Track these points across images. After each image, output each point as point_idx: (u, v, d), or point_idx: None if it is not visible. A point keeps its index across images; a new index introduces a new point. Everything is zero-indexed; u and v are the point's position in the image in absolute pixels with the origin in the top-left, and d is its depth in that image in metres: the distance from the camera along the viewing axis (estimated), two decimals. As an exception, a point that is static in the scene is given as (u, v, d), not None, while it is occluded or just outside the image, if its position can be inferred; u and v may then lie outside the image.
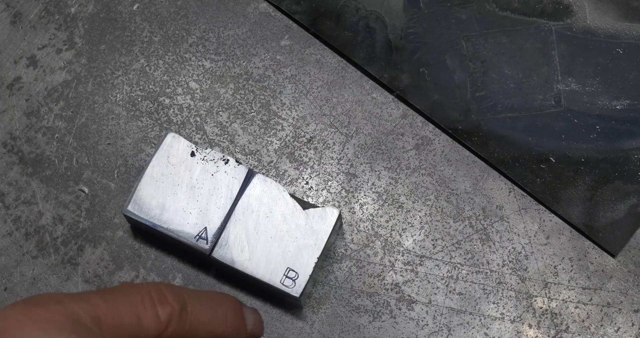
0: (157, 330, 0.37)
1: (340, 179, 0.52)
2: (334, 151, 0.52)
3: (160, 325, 0.37)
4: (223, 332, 0.40)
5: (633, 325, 0.49)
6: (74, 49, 0.54)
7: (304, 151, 0.52)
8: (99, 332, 0.35)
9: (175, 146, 0.49)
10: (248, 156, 0.52)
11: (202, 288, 0.50)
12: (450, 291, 0.50)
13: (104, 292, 0.37)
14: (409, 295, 0.50)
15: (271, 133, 0.53)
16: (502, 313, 0.49)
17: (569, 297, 0.49)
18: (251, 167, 0.52)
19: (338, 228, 0.49)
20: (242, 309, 0.42)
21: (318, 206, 0.48)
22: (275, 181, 0.50)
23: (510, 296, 0.49)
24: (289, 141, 0.52)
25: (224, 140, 0.52)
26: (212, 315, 0.40)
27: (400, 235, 0.51)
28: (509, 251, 0.50)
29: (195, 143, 0.52)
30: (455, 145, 0.52)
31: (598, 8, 0.54)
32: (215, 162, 0.49)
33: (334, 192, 0.51)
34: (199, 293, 0.40)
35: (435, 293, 0.50)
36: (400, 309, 0.49)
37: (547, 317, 0.49)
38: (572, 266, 0.50)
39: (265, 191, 0.48)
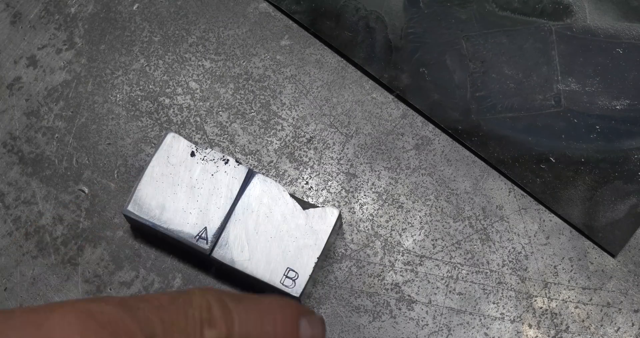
0: None
1: (340, 179, 0.52)
2: (334, 151, 0.52)
3: None
4: None
5: (633, 325, 0.49)
6: (74, 49, 0.54)
7: (304, 151, 0.52)
8: None
9: (175, 146, 0.49)
10: (248, 156, 0.52)
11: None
12: (450, 291, 0.50)
13: (159, 306, 0.34)
14: (409, 295, 0.50)
15: (271, 133, 0.53)
16: (502, 313, 0.49)
17: (569, 297, 0.49)
18: (251, 167, 0.52)
19: (338, 228, 0.49)
20: (299, 320, 0.38)
21: (318, 206, 0.48)
22: (275, 181, 0.50)
23: (510, 296, 0.49)
24: (289, 141, 0.52)
25: (224, 140, 0.52)
26: (259, 333, 0.37)
27: (400, 235, 0.51)
28: (509, 251, 0.50)
29: (195, 143, 0.52)
30: (455, 145, 0.52)
31: (598, 8, 0.54)
32: (215, 162, 0.49)
33: (334, 192, 0.51)
34: (247, 307, 0.36)
35: (435, 293, 0.50)
36: (400, 309, 0.49)
37: (547, 317, 0.49)
38: (572, 266, 0.50)
39: (265, 191, 0.48)
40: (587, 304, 0.49)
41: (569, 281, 0.50)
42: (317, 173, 0.52)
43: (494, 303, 0.49)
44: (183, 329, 0.34)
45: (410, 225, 0.51)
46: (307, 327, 0.38)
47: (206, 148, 0.49)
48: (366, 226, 0.51)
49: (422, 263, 0.50)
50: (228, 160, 0.49)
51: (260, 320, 0.36)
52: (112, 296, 0.34)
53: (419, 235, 0.51)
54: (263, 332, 0.36)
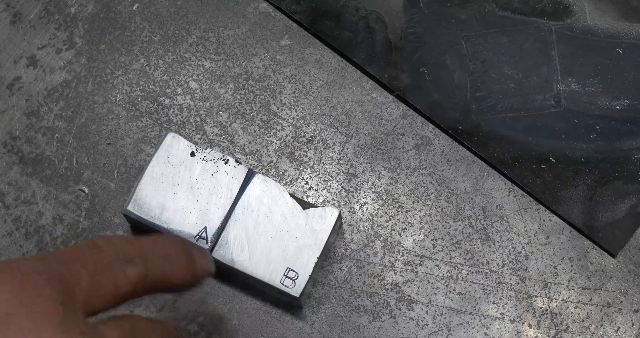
0: (128, 290, 0.38)
1: (340, 179, 0.52)
2: (334, 151, 0.52)
3: (130, 285, 0.38)
4: (177, 281, 0.41)
5: (633, 325, 0.49)
6: (74, 49, 0.54)
7: (304, 151, 0.52)
8: (81, 306, 0.36)
9: (175, 146, 0.49)
10: (248, 156, 0.52)
11: (201, 288, 0.50)
12: (450, 291, 0.50)
13: (78, 257, 0.37)
14: (408, 295, 0.50)
15: (271, 133, 0.53)
16: (502, 313, 0.49)
17: (569, 297, 0.49)
18: (251, 167, 0.52)
19: (338, 228, 0.49)
20: (191, 252, 0.42)
21: (318, 206, 0.48)
22: (275, 181, 0.50)
23: (510, 296, 0.49)
24: (289, 141, 0.52)
25: (224, 140, 0.52)
26: (170, 268, 0.40)
27: (400, 234, 0.51)
28: (509, 251, 0.50)
29: (195, 143, 0.52)
30: (455, 145, 0.52)
31: (598, 8, 0.54)
32: (215, 162, 0.49)
33: (334, 192, 0.51)
34: (149, 245, 0.40)
35: (435, 293, 0.50)
36: (400, 309, 0.49)
37: (547, 317, 0.49)
38: (572, 266, 0.50)
39: (265, 191, 0.48)
40: (587, 304, 0.49)
41: (569, 281, 0.50)
42: (317, 173, 0.52)
43: (494, 303, 0.49)
44: (107, 271, 0.37)
45: (410, 224, 0.51)
46: (201, 256, 0.42)
47: (206, 148, 0.49)
48: (366, 226, 0.51)
49: (422, 263, 0.50)
50: (228, 160, 0.49)
51: (163, 255, 0.40)
52: (33, 255, 0.38)
53: (419, 234, 0.51)
54: (169, 264, 0.40)
